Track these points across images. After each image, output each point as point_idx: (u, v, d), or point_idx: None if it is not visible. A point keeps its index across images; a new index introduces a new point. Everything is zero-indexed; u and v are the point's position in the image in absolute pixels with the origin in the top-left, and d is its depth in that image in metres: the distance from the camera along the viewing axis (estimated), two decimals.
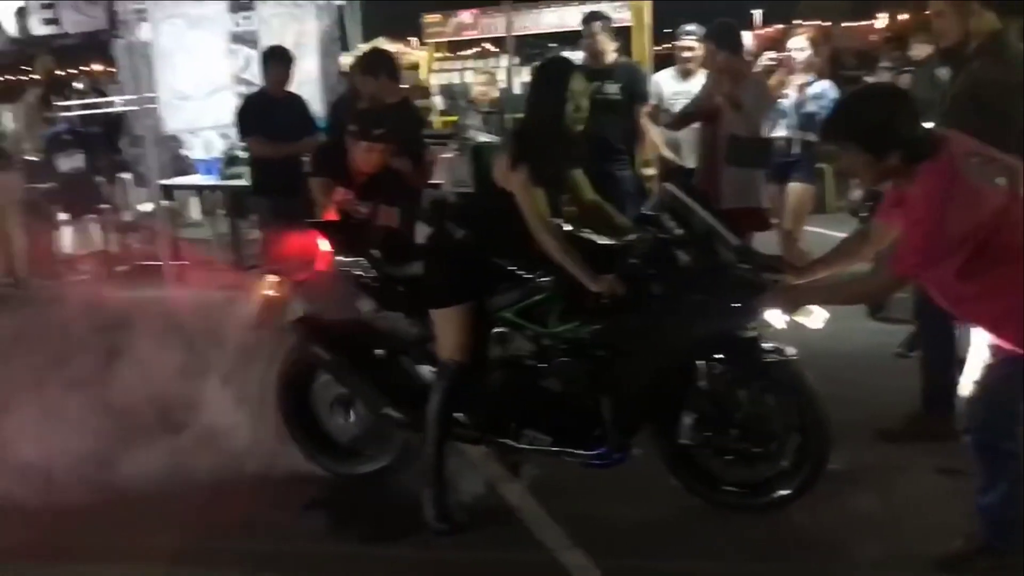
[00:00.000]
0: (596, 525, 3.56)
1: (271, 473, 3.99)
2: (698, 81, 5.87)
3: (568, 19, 15.23)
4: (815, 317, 3.20)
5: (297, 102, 6.61)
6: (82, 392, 4.37)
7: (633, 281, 3.30)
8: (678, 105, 5.92)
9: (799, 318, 3.24)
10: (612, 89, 5.90)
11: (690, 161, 5.86)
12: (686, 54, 6.16)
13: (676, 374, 3.46)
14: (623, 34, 9.49)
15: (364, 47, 9.76)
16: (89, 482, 3.85)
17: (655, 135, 6.12)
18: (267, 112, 6.37)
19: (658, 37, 9.06)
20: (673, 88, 6.16)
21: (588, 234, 3.60)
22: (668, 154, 6.05)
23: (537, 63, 4.48)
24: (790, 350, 3.39)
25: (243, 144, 6.91)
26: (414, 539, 3.52)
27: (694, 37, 6.10)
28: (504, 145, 3.60)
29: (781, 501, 3.48)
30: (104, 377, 4.56)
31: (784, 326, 3.26)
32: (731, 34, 5.43)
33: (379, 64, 5.86)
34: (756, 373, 3.44)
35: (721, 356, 3.43)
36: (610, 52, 6.04)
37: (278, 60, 6.45)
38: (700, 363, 3.41)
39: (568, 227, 3.57)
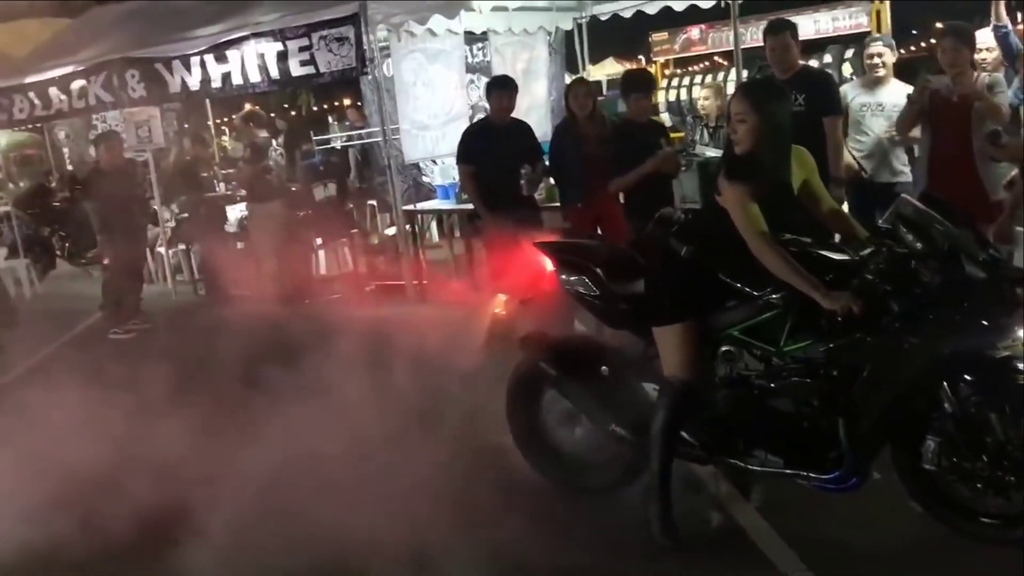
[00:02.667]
0: (831, 549, 3.43)
1: (498, 484, 4.10)
2: (888, 91, 5.79)
3: (801, 28, 14.72)
4: None
5: (523, 129, 6.73)
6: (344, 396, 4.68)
7: (870, 298, 3.17)
8: (866, 117, 5.82)
9: None
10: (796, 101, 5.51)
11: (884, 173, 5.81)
12: (874, 61, 5.92)
13: (919, 396, 3.29)
14: (859, 40, 9.12)
15: (593, 69, 9.93)
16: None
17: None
18: (488, 141, 6.49)
19: (899, 42, 8.60)
20: (861, 100, 5.89)
21: (821, 249, 3.48)
22: (855, 163, 5.82)
23: (745, 80, 4.38)
24: None
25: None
26: (640, 555, 3.53)
27: (881, 44, 6.08)
28: (721, 163, 3.57)
29: None
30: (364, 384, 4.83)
31: None
32: (972, 33, 5.32)
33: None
34: (1009, 396, 3.19)
35: (969, 377, 3.22)
36: (797, 61, 5.78)
37: (500, 89, 6.60)
38: (945, 385, 3.22)
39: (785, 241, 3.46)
